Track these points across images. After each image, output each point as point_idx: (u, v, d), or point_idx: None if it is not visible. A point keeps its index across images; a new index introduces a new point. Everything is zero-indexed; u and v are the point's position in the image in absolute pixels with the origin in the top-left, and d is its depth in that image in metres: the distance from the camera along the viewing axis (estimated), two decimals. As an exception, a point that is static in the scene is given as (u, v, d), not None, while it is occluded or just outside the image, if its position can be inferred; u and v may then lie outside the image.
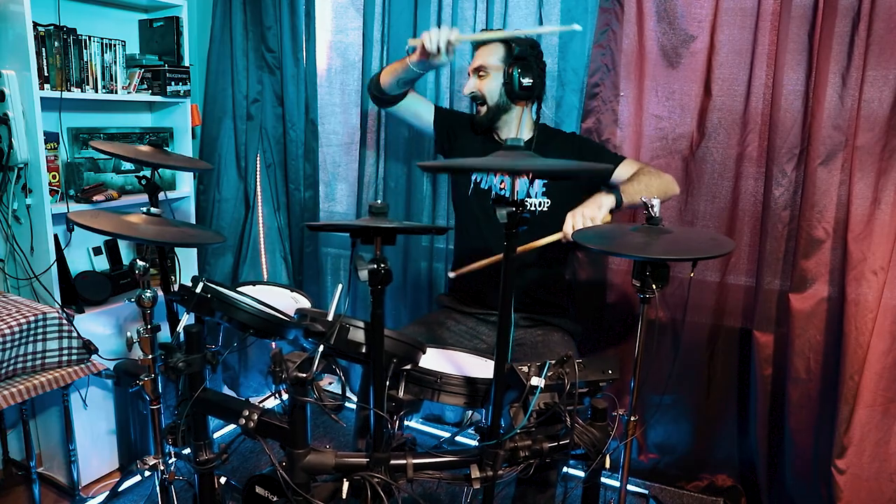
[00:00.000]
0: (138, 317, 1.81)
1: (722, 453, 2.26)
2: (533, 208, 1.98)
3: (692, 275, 1.53)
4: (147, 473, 1.83)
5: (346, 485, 1.30)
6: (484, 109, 1.98)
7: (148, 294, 1.78)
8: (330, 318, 1.32)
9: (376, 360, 1.24)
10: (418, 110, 2.14)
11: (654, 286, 1.37)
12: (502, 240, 1.16)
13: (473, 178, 2.05)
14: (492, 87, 1.95)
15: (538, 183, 1.99)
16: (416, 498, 1.50)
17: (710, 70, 2.01)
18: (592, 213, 1.71)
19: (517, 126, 1.99)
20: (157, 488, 1.83)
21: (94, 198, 2.31)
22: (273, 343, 1.79)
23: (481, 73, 1.96)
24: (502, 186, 2.00)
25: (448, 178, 2.25)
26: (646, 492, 2.30)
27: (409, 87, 2.06)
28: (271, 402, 1.52)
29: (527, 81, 1.90)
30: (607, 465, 1.37)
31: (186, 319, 1.54)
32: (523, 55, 1.92)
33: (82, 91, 2.29)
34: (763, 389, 2.06)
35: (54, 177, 2.26)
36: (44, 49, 2.14)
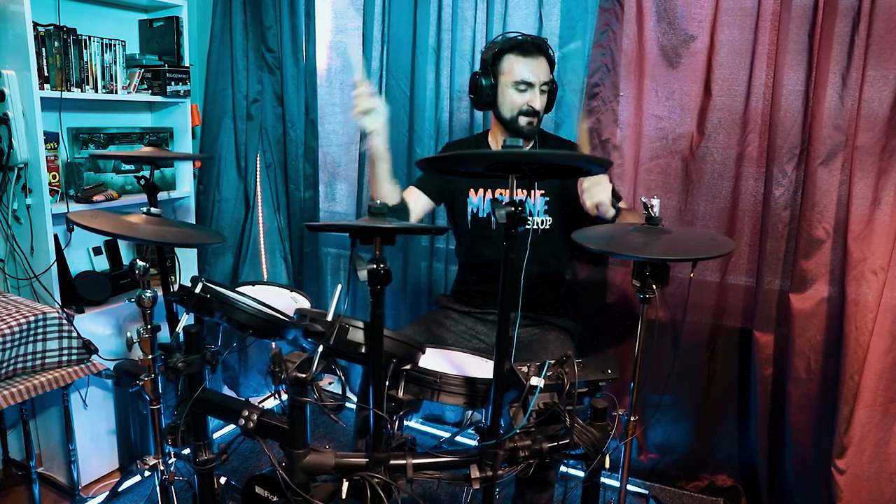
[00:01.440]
0: (138, 317, 1.81)
1: (722, 453, 2.26)
2: (535, 226, 1.97)
3: (692, 275, 1.53)
4: (147, 473, 1.83)
5: (345, 485, 1.30)
6: (536, 121, 1.91)
7: (148, 294, 1.78)
8: (329, 318, 1.32)
9: (376, 360, 1.24)
10: (422, 203, 2.00)
11: (654, 286, 1.37)
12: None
13: (469, 209, 2.02)
14: (544, 104, 1.92)
15: (540, 201, 1.98)
16: (415, 498, 1.50)
17: (710, 70, 2.01)
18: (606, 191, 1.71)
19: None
20: (157, 488, 1.83)
21: (94, 198, 2.31)
22: (273, 343, 1.79)
23: (544, 88, 1.89)
24: (500, 192, 1.99)
25: (446, 212, 2.18)
26: (646, 492, 2.30)
27: (395, 179, 1.91)
28: (271, 403, 1.52)
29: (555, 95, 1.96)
30: (607, 465, 1.37)
31: (186, 320, 1.54)
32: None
33: (82, 91, 2.29)
34: (763, 389, 2.06)
35: (54, 177, 2.26)
36: (44, 49, 2.14)
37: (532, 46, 1.87)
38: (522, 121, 1.89)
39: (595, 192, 1.70)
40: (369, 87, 1.73)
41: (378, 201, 1.23)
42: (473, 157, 1.34)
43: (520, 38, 1.88)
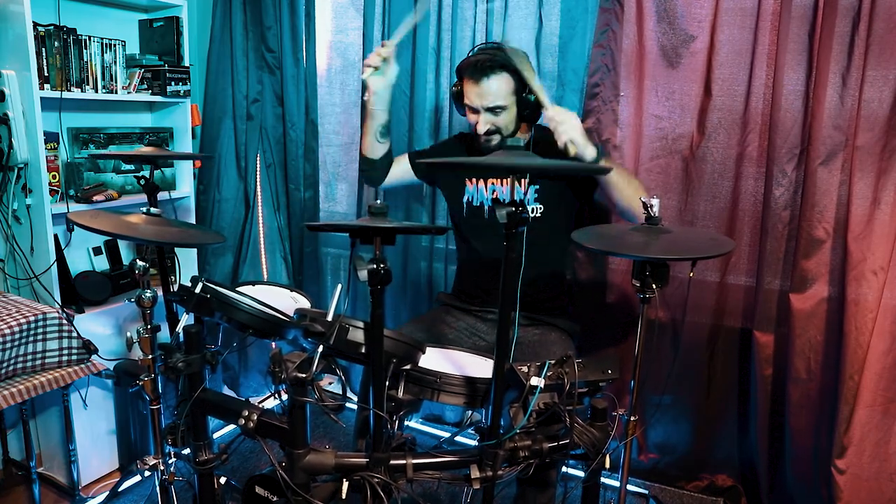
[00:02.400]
0: (138, 317, 1.80)
1: (722, 453, 2.26)
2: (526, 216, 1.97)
3: (692, 274, 1.53)
4: (147, 473, 1.82)
5: (345, 485, 1.30)
6: (497, 138, 1.90)
7: (148, 294, 1.78)
8: (329, 318, 1.32)
9: (376, 360, 1.24)
10: (405, 171, 2.13)
11: (653, 286, 1.37)
12: (501, 253, 1.17)
13: (465, 198, 2.04)
14: (508, 120, 1.89)
15: (530, 190, 1.98)
16: (415, 498, 1.50)
17: (710, 70, 2.01)
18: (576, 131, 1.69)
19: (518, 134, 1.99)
20: (157, 488, 1.83)
21: (94, 198, 2.31)
22: (273, 343, 1.79)
23: (497, 111, 1.86)
24: (494, 195, 2.00)
25: (445, 198, 2.23)
26: (646, 492, 2.30)
27: (387, 138, 2.05)
28: (271, 403, 1.52)
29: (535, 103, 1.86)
30: (607, 465, 1.37)
31: (186, 319, 1.54)
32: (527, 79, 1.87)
33: (82, 91, 2.29)
34: (763, 389, 2.06)
35: (54, 177, 2.26)
36: (44, 49, 2.14)
37: (481, 69, 1.83)
38: (481, 140, 1.92)
39: (563, 130, 1.67)
40: (391, 49, 1.84)
41: (378, 203, 1.22)
42: (470, 164, 1.34)
43: (472, 57, 1.88)
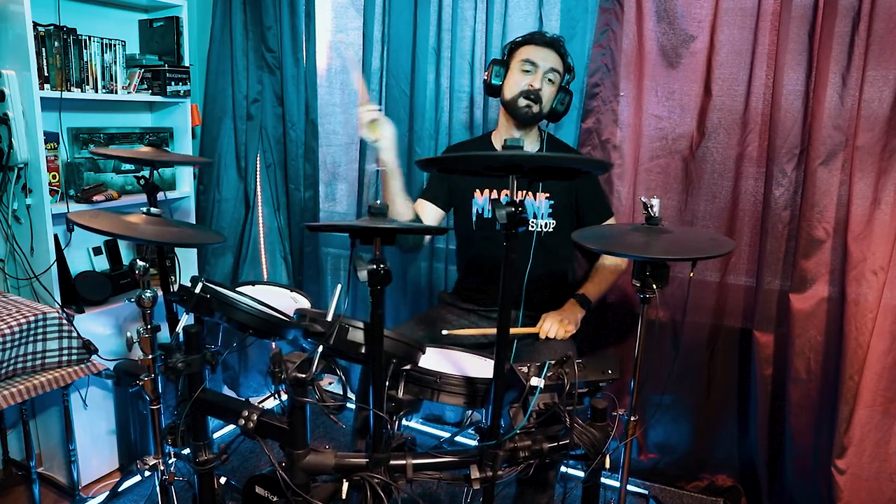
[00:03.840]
0: (138, 317, 1.80)
1: (722, 453, 2.26)
2: (539, 229, 1.99)
3: (692, 275, 1.52)
4: (147, 473, 1.82)
5: (345, 485, 1.30)
6: (536, 109, 1.92)
7: (148, 294, 1.78)
8: (329, 318, 1.32)
9: (376, 360, 1.24)
10: (434, 215, 2.05)
11: (654, 286, 1.37)
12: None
13: (475, 210, 2.04)
14: (549, 97, 1.95)
15: (544, 204, 2.00)
16: (415, 498, 1.50)
17: (710, 70, 2.01)
18: (569, 326, 1.88)
19: (529, 138, 2.01)
20: (157, 488, 1.83)
21: (94, 198, 2.31)
22: (273, 343, 1.79)
23: (551, 78, 1.93)
24: (505, 193, 1.99)
25: (452, 213, 2.18)
26: (646, 492, 2.30)
27: (408, 197, 1.91)
28: (271, 403, 1.52)
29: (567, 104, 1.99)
30: (607, 465, 1.37)
31: (186, 320, 1.54)
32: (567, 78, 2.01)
33: (82, 91, 2.29)
34: (763, 389, 2.06)
35: (54, 177, 2.26)
36: (44, 49, 2.14)
37: (544, 38, 1.95)
38: (521, 102, 1.92)
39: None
40: (369, 98, 1.72)
41: (378, 203, 1.22)
42: (473, 159, 1.34)
43: (536, 32, 1.99)
